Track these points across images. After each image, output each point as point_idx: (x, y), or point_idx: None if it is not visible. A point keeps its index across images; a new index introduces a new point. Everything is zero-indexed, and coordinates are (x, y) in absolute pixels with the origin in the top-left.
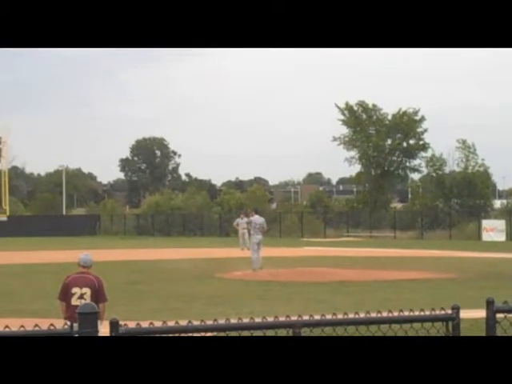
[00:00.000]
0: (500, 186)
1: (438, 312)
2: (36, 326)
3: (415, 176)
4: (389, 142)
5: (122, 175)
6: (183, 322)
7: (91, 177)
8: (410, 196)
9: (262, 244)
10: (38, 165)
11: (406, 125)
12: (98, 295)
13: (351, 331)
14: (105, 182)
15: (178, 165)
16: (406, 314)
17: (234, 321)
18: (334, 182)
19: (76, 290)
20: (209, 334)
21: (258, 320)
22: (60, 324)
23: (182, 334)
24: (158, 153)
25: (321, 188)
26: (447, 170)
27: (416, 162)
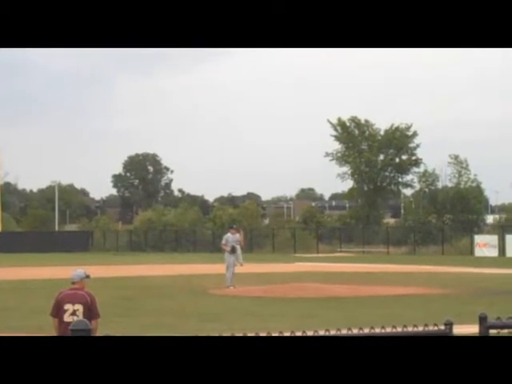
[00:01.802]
0: (492, 202)
1: (430, 328)
2: None
3: (408, 191)
4: (381, 157)
5: (114, 191)
6: None
7: (84, 193)
8: (402, 211)
9: (227, 261)
10: (31, 180)
11: (399, 140)
12: (91, 312)
13: None
14: (97, 197)
15: (170, 181)
16: (399, 329)
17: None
18: (326, 197)
19: (68, 307)
20: None
21: (251, 335)
22: None
23: None
24: (151, 169)
25: (313, 204)
26: (440, 185)
27: (408, 177)
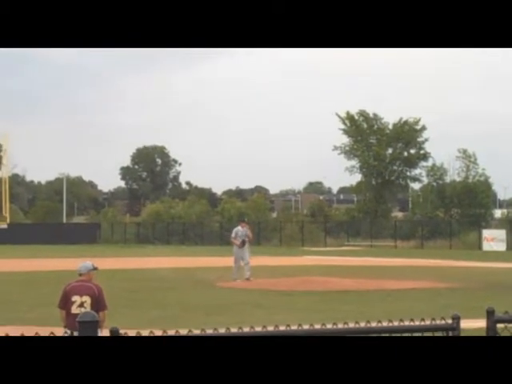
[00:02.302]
0: (501, 196)
1: (438, 322)
2: (36, 334)
3: (416, 185)
4: (389, 151)
5: (122, 183)
6: (183, 331)
7: (92, 185)
8: (410, 205)
9: (235, 255)
10: (39, 173)
11: (407, 134)
12: (98, 303)
13: None
14: (105, 190)
15: (178, 173)
16: (407, 323)
17: (234, 330)
18: (334, 191)
19: (76, 299)
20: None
21: (258, 329)
22: (60, 332)
23: None
24: (159, 161)
25: (321, 197)
26: (448, 179)
27: (417, 171)
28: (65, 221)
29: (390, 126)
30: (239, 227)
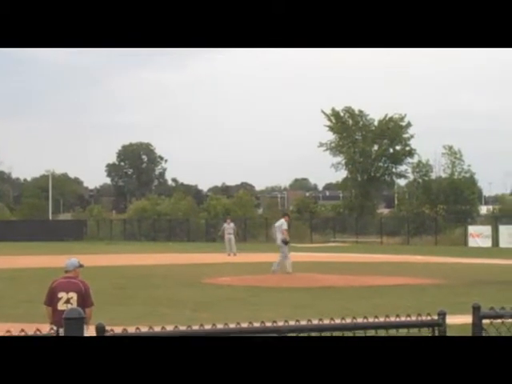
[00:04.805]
0: (486, 192)
1: (424, 318)
2: (22, 331)
3: (401, 182)
4: (375, 147)
5: (108, 180)
6: (170, 328)
7: (78, 182)
8: (396, 202)
9: (282, 250)
10: (25, 170)
11: (393, 131)
12: (85, 300)
13: None
14: (91, 187)
15: (164, 170)
16: (393, 319)
17: (220, 326)
18: (320, 187)
19: (62, 295)
20: None
21: (244, 325)
22: (46, 329)
23: None
24: (145, 158)
25: (307, 194)
26: (433, 175)
27: (402, 167)
28: (51, 218)
29: (376, 123)
30: (283, 220)
